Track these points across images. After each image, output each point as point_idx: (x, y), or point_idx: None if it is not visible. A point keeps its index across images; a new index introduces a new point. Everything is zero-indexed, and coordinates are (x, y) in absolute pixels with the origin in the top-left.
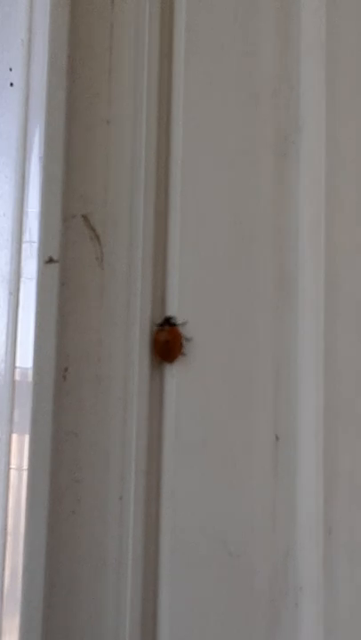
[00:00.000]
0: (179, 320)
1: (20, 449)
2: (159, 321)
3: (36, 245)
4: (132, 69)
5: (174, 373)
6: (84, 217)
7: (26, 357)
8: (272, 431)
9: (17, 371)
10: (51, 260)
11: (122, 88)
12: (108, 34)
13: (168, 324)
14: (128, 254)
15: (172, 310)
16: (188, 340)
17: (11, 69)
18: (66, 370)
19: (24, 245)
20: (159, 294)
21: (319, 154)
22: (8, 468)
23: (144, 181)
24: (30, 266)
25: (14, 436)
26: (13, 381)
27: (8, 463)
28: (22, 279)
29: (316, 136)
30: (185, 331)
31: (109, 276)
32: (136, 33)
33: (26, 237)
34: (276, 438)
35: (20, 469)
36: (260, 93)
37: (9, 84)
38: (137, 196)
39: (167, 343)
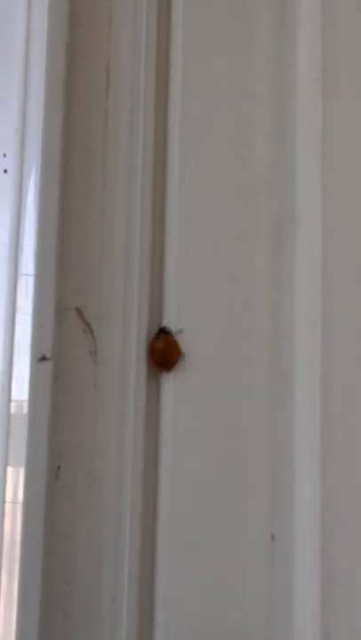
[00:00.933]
0: None
1: (11, 551)
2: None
3: (28, 343)
4: (126, 160)
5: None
6: (78, 310)
7: (18, 457)
8: (268, 530)
9: (8, 469)
10: (44, 359)
11: (116, 178)
12: (102, 123)
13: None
14: (122, 348)
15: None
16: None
17: (4, 155)
18: (58, 468)
19: (15, 343)
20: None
21: (315, 244)
22: None
23: (138, 273)
24: (22, 363)
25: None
26: (5, 479)
27: None
28: (14, 377)
29: (311, 226)
30: None
31: (103, 370)
32: (131, 124)
33: (17, 335)
34: (273, 538)
35: (10, 573)
36: (255, 183)
37: (2, 171)
38: (131, 287)
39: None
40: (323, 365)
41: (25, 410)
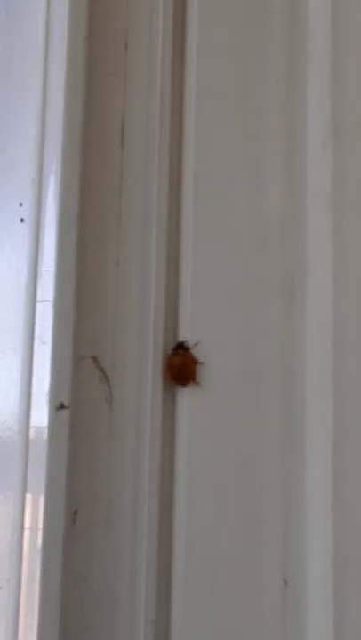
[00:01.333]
0: None
1: (30, 595)
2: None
3: (46, 391)
4: (141, 212)
5: None
6: (94, 358)
7: (36, 502)
8: (281, 576)
9: (26, 514)
10: (62, 407)
11: (131, 230)
12: (117, 176)
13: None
14: (137, 396)
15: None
16: None
17: (21, 204)
18: (75, 513)
19: (33, 391)
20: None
21: (326, 297)
22: (17, 617)
23: (153, 324)
24: (41, 412)
25: (23, 586)
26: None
27: (17, 615)
28: (32, 426)
29: (323, 280)
30: None
31: (119, 417)
32: (145, 178)
33: (35, 383)
34: (285, 583)
35: (30, 610)
36: (267, 235)
37: (19, 220)
38: (146, 337)
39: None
40: (335, 410)
41: (43, 457)
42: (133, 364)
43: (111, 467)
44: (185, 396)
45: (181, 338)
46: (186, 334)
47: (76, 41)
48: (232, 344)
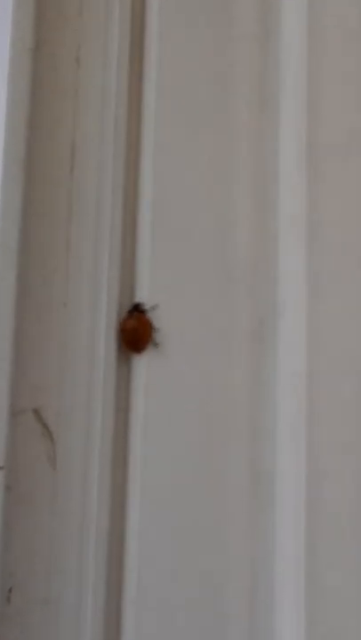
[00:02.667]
0: None
1: None
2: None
3: None
4: (92, 246)
5: None
6: (36, 411)
7: None
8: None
9: None
10: None
11: (81, 266)
12: (66, 205)
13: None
14: (84, 453)
15: None
16: None
17: None
18: (10, 591)
19: None
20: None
21: (299, 342)
22: None
23: (103, 370)
24: None
25: None
26: None
27: None
28: None
29: (295, 322)
30: None
31: (63, 478)
32: (97, 207)
33: None
34: None
35: None
36: (234, 274)
37: None
38: (95, 387)
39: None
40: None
41: None
42: (80, 418)
43: (52, 536)
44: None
45: (135, 382)
46: (139, 383)
47: (20, 52)
48: (194, 400)
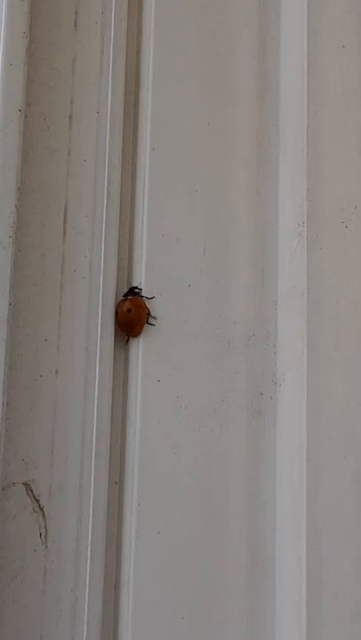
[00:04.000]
0: None
1: None
2: None
3: None
4: (84, 312)
5: None
6: (26, 485)
7: None
8: None
9: None
10: None
11: (74, 333)
12: (58, 270)
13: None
14: (76, 529)
15: None
16: None
17: None
18: None
19: None
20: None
21: (299, 414)
22: None
23: (95, 442)
24: None
25: None
26: None
27: None
28: None
29: (295, 394)
30: None
31: (54, 555)
32: (90, 274)
33: None
34: None
35: None
36: (233, 343)
37: None
38: (87, 456)
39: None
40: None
41: None
42: (73, 491)
43: (43, 617)
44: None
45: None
46: (132, 460)
47: (10, 112)
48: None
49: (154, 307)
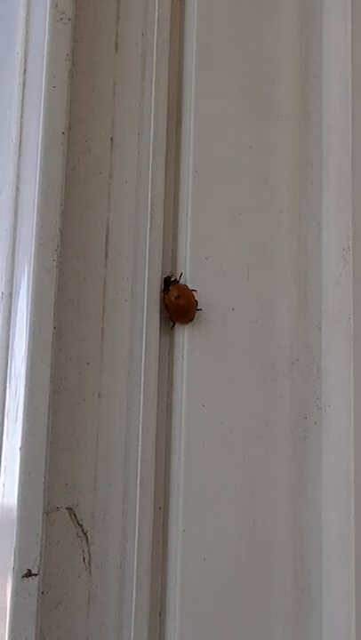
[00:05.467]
0: None
1: None
2: None
3: (11, 555)
4: (127, 336)
5: None
6: (70, 509)
7: None
8: None
9: None
10: (29, 574)
11: (115, 356)
12: (100, 293)
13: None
14: (121, 555)
15: None
16: None
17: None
18: None
19: None
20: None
21: (345, 439)
22: None
23: (140, 465)
24: (4, 580)
25: None
26: None
27: None
28: None
29: (340, 419)
30: None
31: (98, 581)
32: (132, 296)
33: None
34: None
35: None
36: (278, 367)
37: None
38: (131, 481)
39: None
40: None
41: (5, 635)
42: (116, 516)
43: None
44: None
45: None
46: (177, 484)
47: (53, 135)
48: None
49: (199, 330)
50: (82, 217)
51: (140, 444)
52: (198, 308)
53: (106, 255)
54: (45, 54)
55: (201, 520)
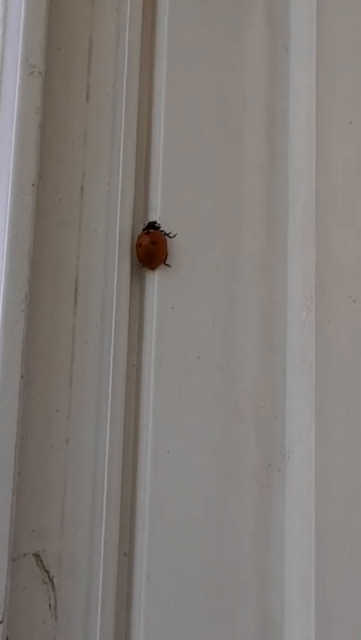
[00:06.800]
0: None
1: None
2: None
3: None
4: (94, 389)
5: None
6: (37, 556)
7: None
8: None
9: None
10: None
11: (83, 402)
12: (69, 342)
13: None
14: (86, 601)
15: None
16: None
17: None
18: None
19: None
20: None
21: (308, 486)
22: None
23: (105, 514)
24: None
25: None
26: None
27: None
28: None
29: (303, 466)
30: None
31: (63, 627)
32: (101, 342)
33: None
34: None
35: None
36: (242, 413)
37: None
38: (97, 528)
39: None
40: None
41: None
42: (83, 562)
43: None
44: None
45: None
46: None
47: (22, 186)
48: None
49: (167, 375)
50: (51, 266)
51: (105, 490)
52: (167, 263)
53: (75, 303)
54: (16, 107)
55: (165, 566)
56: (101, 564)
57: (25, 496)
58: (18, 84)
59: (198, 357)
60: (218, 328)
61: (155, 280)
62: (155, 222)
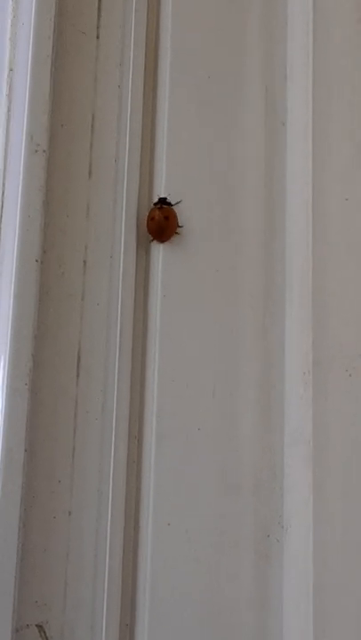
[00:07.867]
0: None
1: None
2: None
3: None
4: (97, 448)
5: None
6: (40, 627)
7: None
8: None
9: None
10: None
11: (85, 473)
12: (72, 413)
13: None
14: None
15: None
16: None
17: None
18: None
19: None
20: None
21: (305, 559)
22: None
23: (108, 575)
24: None
25: None
26: None
27: None
28: None
29: (302, 537)
30: None
31: None
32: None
33: None
34: None
35: None
36: (240, 481)
37: None
38: (99, 599)
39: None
40: None
41: None
42: (84, 632)
43: None
44: None
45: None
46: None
47: (27, 262)
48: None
49: (165, 442)
50: (54, 339)
51: (107, 561)
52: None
53: (77, 375)
54: (20, 185)
55: (166, 637)
56: (103, 634)
57: (28, 567)
58: (22, 163)
59: (198, 429)
60: (218, 400)
61: (155, 348)
62: (166, 198)
